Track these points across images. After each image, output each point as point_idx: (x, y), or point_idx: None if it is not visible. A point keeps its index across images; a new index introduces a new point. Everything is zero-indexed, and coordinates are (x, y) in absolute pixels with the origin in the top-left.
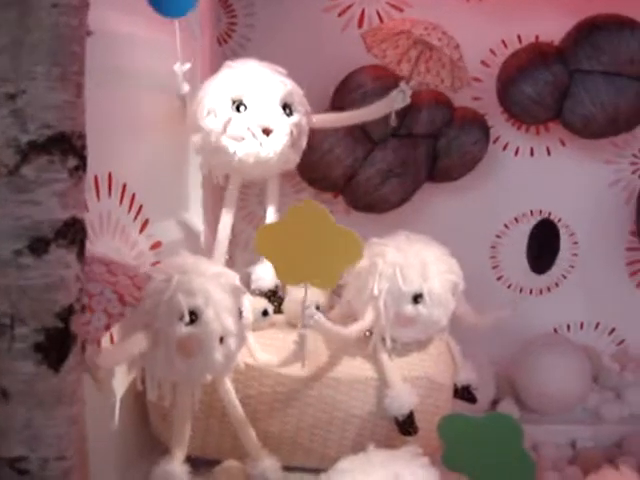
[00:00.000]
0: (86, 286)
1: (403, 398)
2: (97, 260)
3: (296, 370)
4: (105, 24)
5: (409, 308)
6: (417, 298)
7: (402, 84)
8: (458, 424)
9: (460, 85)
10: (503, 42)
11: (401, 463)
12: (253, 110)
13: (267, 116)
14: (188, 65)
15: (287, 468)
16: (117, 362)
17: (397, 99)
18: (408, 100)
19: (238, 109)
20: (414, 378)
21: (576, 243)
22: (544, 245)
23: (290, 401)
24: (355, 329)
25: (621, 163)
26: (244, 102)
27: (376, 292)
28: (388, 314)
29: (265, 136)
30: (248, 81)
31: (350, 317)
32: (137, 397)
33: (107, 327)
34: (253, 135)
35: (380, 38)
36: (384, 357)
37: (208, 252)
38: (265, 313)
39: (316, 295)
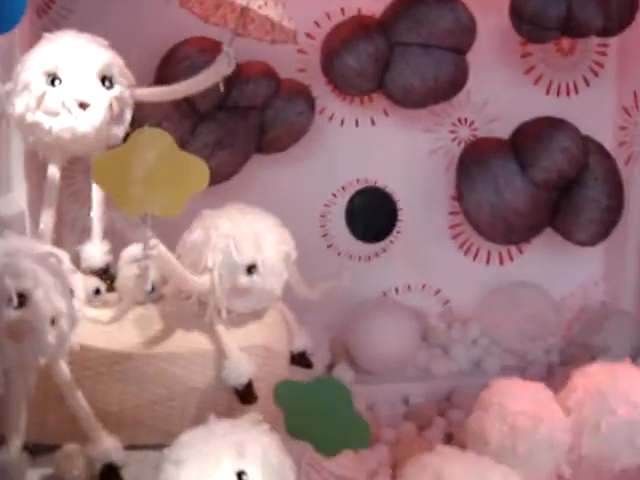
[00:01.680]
0: None
1: (241, 368)
2: None
3: (133, 347)
4: None
5: (244, 279)
6: (251, 269)
7: (225, 47)
8: (293, 391)
9: (284, 38)
10: (327, 14)
11: (242, 431)
12: (68, 83)
13: (83, 89)
14: (10, 85)
15: (130, 447)
16: None
17: (223, 63)
18: (233, 64)
19: (53, 83)
20: (251, 347)
21: (401, 209)
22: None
23: (128, 379)
24: (193, 278)
25: (441, 131)
26: (59, 75)
27: (210, 264)
28: (223, 285)
29: (82, 110)
30: (63, 53)
31: (185, 291)
32: None
33: None
34: (68, 110)
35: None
36: (220, 329)
37: (34, 233)
38: (97, 292)
39: (151, 272)
